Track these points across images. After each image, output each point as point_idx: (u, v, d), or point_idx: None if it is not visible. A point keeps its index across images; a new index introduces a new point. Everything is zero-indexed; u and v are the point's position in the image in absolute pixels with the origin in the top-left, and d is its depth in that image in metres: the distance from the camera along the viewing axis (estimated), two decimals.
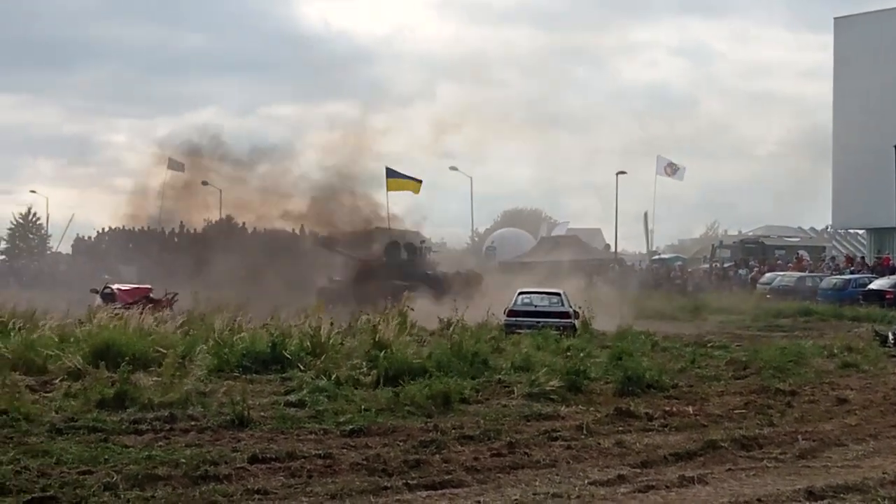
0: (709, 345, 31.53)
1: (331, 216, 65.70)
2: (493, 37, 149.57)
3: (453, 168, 74.91)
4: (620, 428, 16.16)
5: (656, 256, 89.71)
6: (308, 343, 23.25)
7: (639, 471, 13.14)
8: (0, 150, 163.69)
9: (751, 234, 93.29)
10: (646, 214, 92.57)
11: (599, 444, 14.76)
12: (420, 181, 76.26)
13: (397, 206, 66.28)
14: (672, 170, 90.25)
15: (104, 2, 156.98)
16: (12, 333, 23.49)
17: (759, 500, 11.79)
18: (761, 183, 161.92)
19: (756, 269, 72.25)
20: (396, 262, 59.79)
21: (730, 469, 13.44)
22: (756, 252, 78.70)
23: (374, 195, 66.86)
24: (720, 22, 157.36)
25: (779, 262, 74.74)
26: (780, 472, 13.41)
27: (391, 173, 74.90)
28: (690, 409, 18.09)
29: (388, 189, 74.65)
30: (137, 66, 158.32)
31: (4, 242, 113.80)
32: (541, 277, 50.74)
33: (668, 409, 18.00)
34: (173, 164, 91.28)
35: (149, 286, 44.39)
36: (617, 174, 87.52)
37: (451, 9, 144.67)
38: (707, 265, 79.52)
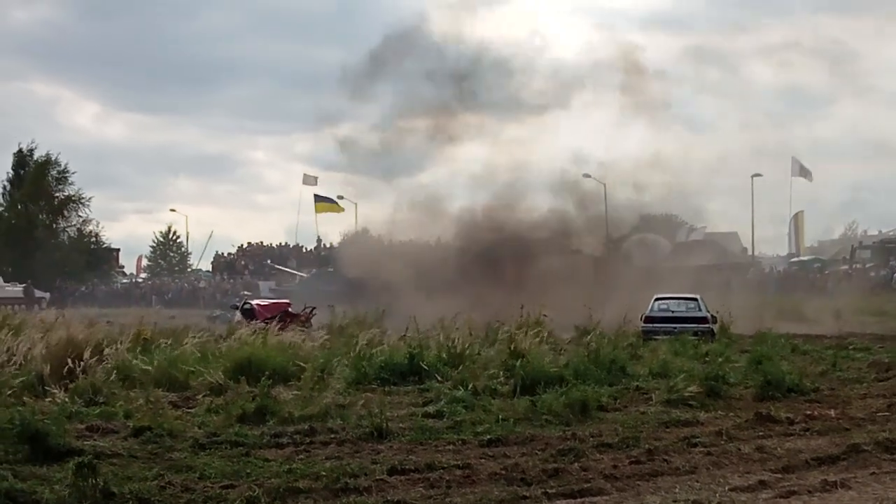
0: (850, 347, 31.11)
1: (468, 226, 66.14)
2: (625, 42, 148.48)
3: (587, 175, 74.53)
4: (761, 433, 15.96)
5: (794, 259, 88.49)
6: (445, 354, 23.36)
7: (780, 476, 12.97)
8: (143, 170, 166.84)
9: (892, 233, 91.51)
10: (797, 215, 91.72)
11: (740, 449, 14.60)
12: (337, 202, 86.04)
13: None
14: (806, 171, 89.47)
15: (242, 21, 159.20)
16: (155, 350, 23.88)
17: None
18: None
19: None
20: (325, 272, 65.00)
21: (873, 473, 13.20)
22: None
23: (516, 205, 67.11)
24: (855, 21, 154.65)
25: None
26: None
27: (318, 198, 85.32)
28: (832, 412, 17.82)
29: (317, 212, 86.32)
30: (276, 83, 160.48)
31: (146, 260, 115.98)
32: (677, 283, 50.35)
33: (809, 412, 17.73)
34: (308, 180, 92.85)
35: (287, 301, 44.83)
36: (752, 177, 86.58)
37: (581, 16, 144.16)
38: (847, 266, 78.22)
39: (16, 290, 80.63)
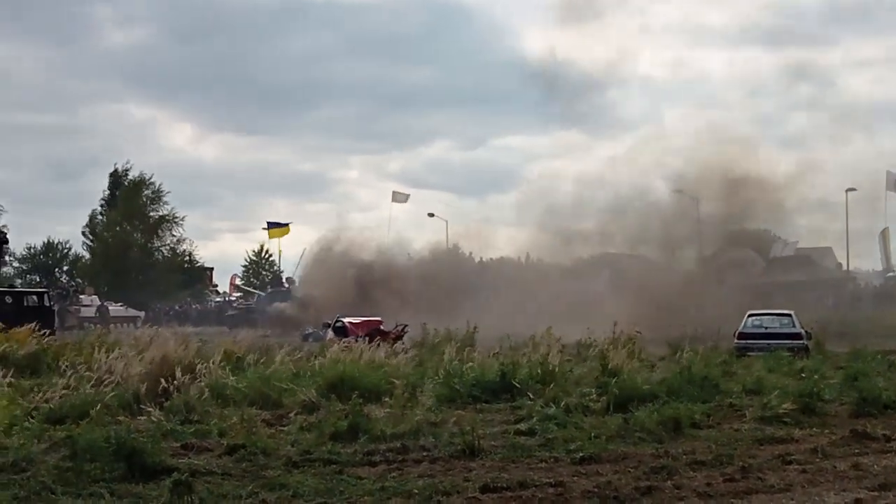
0: None
1: (551, 245, 66.37)
2: (716, 58, 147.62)
3: (678, 191, 74.27)
4: (857, 450, 15.76)
5: (890, 274, 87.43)
6: (537, 371, 23.29)
7: (877, 494, 12.79)
8: (237, 189, 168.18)
9: None
10: (884, 231, 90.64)
11: (835, 467, 14.43)
12: (286, 225, 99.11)
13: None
14: None
15: (334, 42, 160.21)
16: (248, 369, 24.04)
17: None
18: None
19: None
20: (278, 291, 70.99)
21: None
22: None
23: (609, 222, 67.20)
24: None
25: None
26: None
27: (271, 225, 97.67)
28: None
29: (270, 237, 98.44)
30: (368, 103, 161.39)
31: (240, 280, 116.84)
32: (771, 298, 49.96)
33: None
34: (398, 197, 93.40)
35: (379, 318, 44.99)
36: (847, 191, 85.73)
37: (672, 33, 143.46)
38: None
39: (91, 308, 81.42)
